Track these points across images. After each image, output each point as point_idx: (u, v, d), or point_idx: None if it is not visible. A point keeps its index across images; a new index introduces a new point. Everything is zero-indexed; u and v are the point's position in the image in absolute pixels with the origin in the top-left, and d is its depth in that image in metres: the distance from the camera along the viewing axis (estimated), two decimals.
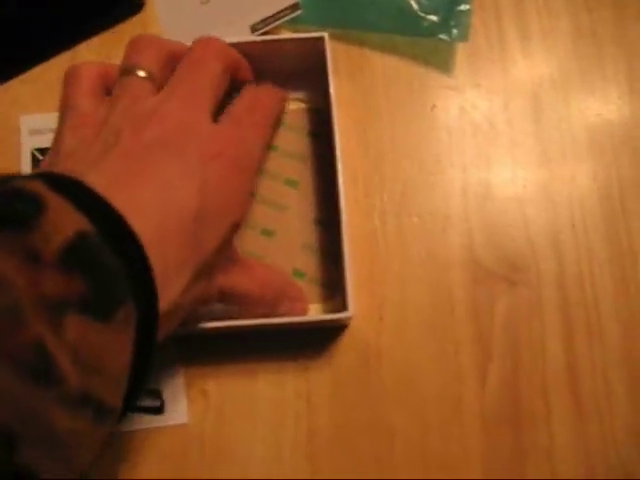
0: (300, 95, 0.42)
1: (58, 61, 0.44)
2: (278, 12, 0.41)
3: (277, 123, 0.40)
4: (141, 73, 0.32)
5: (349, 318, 0.36)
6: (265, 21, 0.41)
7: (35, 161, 0.42)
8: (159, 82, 0.33)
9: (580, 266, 0.40)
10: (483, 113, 0.43)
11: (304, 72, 0.41)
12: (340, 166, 0.36)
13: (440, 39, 0.42)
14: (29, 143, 0.42)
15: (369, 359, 0.39)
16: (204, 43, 0.34)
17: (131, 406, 0.26)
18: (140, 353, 0.24)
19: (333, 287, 0.39)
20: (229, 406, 0.39)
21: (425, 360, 0.39)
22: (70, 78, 0.34)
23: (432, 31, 0.42)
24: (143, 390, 0.26)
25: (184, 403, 0.40)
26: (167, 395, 0.40)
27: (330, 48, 0.38)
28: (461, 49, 0.43)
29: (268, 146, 0.40)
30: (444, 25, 0.42)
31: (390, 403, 0.39)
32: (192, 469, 0.38)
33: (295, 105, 0.42)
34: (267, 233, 0.40)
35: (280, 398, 0.39)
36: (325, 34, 0.38)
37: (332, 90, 0.37)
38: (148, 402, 0.40)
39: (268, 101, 0.38)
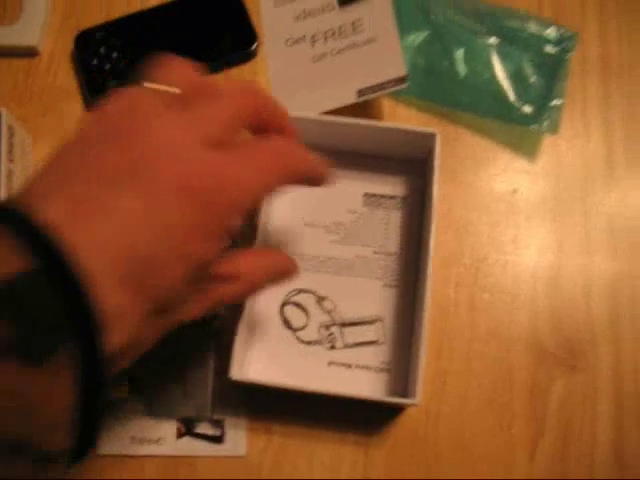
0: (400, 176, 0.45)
1: None
2: (385, 82, 0.44)
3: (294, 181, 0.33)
4: (154, 86, 0.30)
5: (414, 405, 0.38)
6: (372, 88, 0.44)
7: None
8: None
9: (637, 360, 0.43)
10: (562, 202, 0.45)
11: (407, 158, 0.44)
12: (432, 241, 0.39)
13: (531, 129, 0.44)
14: None
15: (428, 420, 0.41)
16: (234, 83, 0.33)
17: (90, 442, 0.25)
18: (87, 391, 0.24)
19: (399, 357, 0.42)
20: (290, 445, 0.41)
21: (481, 429, 0.41)
22: None
23: (525, 121, 0.44)
24: (99, 426, 0.25)
25: (244, 436, 0.42)
26: (228, 427, 0.42)
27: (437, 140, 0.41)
28: (547, 139, 0.46)
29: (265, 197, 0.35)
30: (537, 117, 0.44)
31: (444, 464, 0.41)
32: None
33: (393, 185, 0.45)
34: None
35: (339, 445, 0.41)
36: (437, 132, 0.41)
37: (435, 188, 0.40)
38: (209, 430, 0.42)
39: (299, 157, 0.33)
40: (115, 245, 0.25)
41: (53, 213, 0.24)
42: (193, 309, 0.30)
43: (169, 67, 0.31)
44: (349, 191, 0.45)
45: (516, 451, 0.41)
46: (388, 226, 0.44)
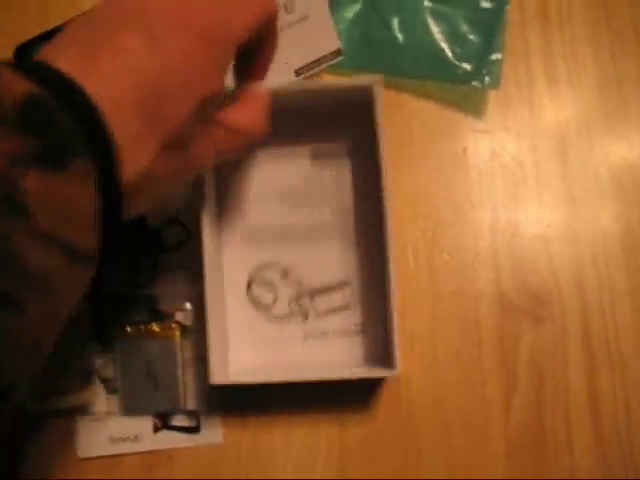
0: (343, 133, 0.45)
1: None
2: (321, 57, 0.44)
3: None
4: None
5: (396, 376, 0.39)
6: (309, 65, 0.44)
7: None
8: None
9: (602, 301, 0.42)
10: (512, 155, 0.45)
11: (349, 114, 0.44)
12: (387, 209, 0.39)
13: (473, 86, 0.44)
14: None
15: (399, 384, 0.41)
16: None
17: (108, 272, 0.27)
18: (109, 220, 0.26)
19: (371, 318, 0.42)
20: (267, 427, 0.41)
21: (452, 388, 0.41)
22: None
23: (465, 78, 0.44)
24: (116, 258, 0.27)
25: (220, 424, 0.42)
26: (203, 416, 0.42)
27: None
28: (492, 94, 0.46)
29: (258, 26, 0.34)
30: (477, 73, 0.44)
31: (418, 425, 0.41)
32: None
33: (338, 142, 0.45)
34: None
35: (315, 422, 0.41)
36: (375, 82, 0.40)
37: (380, 135, 0.40)
38: (185, 422, 0.42)
39: None
40: (124, 79, 0.27)
41: (63, 59, 0.26)
42: (202, 153, 0.32)
43: None
44: (296, 155, 0.44)
45: (491, 407, 0.41)
46: (340, 185, 0.44)
